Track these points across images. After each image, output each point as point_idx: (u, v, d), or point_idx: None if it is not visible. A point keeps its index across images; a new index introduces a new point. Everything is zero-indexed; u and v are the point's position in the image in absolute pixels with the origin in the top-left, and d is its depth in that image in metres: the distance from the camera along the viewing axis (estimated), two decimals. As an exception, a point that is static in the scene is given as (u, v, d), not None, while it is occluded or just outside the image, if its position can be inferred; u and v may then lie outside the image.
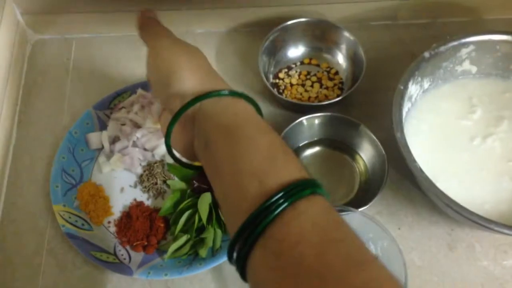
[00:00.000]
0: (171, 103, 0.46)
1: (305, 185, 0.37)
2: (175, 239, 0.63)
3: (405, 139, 0.60)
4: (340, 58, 0.79)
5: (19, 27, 0.80)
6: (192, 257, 0.63)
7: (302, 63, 0.79)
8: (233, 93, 0.45)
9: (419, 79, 0.67)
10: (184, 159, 0.51)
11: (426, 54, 0.66)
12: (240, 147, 0.41)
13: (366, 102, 0.75)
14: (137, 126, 0.71)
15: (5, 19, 0.75)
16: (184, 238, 0.63)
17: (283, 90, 0.76)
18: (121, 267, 0.62)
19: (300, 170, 0.39)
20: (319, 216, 0.36)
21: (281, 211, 0.35)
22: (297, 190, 0.36)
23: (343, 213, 0.60)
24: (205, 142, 0.44)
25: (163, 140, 0.69)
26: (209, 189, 0.64)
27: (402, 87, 0.64)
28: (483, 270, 0.64)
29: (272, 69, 0.78)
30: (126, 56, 0.82)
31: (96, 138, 0.71)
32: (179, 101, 0.45)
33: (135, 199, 0.68)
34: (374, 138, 0.66)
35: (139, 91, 0.74)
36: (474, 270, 0.64)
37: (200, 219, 0.63)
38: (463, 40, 0.67)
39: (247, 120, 0.43)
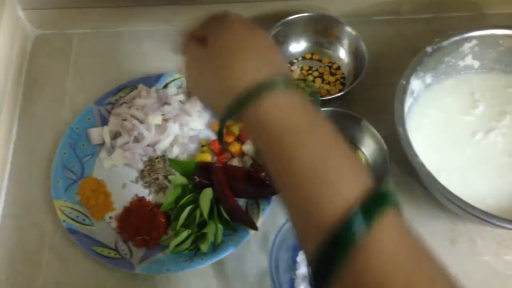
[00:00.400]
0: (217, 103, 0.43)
1: (380, 198, 0.35)
2: (177, 234, 0.63)
3: (407, 134, 0.60)
4: (342, 53, 0.78)
5: (20, 22, 0.80)
6: (194, 252, 0.63)
7: (304, 58, 0.79)
8: (280, 83, 0.40)
9: (422, 74, 0.67)
10: None
11: (429, 49, 0.66)
12: (295, 165, 0.37)
13: (368, 97, 0.75)
14: (139, 121, 0.70)
15: (6, 15, 0.74)
16: (185, 233, 0.62)
17: (284, 85, 0.76)
18: (122, 262, 0.62)
19: (368, 177, 0.37)
20: (398, 242, 0.34)
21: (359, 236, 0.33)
22: (373, 205, 0.34)
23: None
24: (258, 149, 0.41)
25: (164, 135, 0.69)
26: (210, 185, 0.65)
27: (404, 82, 0.64)
28: (485, 265, 0.64)
29: (273, 64, 0.78)
30: (127, 51, 0.81)
31: (97, 134, 0.71)
32: (223, 102, 0.41)
33: (136, 195, 0.68)
34: (376, 133, 0.66)
35: (140, 86, 0.73)
36: (476, 265, 0.64)
37: (201, 214, 0.63)
38: (466, 35, 0.67)
39: (298, 125, 0.38)
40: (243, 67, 0.41)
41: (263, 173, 0.65)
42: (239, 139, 0.70)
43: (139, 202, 0.67)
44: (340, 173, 0.36)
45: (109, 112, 0.73)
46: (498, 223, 0.55)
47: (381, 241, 0.33)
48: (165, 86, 0.75)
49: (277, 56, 0.44)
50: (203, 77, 0.44)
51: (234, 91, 0.40)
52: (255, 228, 0.62)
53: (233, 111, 0.41)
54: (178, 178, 0.68)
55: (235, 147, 0.69)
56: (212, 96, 0.44)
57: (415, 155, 0.59)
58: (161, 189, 0.69)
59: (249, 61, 0.42)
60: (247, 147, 0.69)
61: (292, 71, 0.78)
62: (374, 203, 0.34)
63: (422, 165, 0.58)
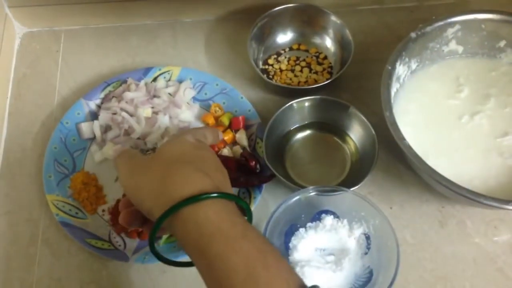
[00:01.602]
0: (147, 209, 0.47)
1: None
2: (170, 225, 0.64)
3: (394, 118, 0.61)
4: (329, 43, 0.79)
5: (7, 20, 0.80)
6: (187, 241, 0.64)
7: (291, 48, 0.80)
8: (208, 196, 0.44)
9: (407, 59, 0.68)
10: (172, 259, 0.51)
11: (413, 35, 0.67)
12: (214, 271, 0.41)
13: (355, 85, 0.76)
14: (129, 114, 0.71)
15: (-7, 13, 0.75)
16: (178, 224, 0.63)
17: (272, 76, 0.77)
18: (116, 254, 0.62)
19: (289, 283, 0.40)
20: None
21: None
22: None
23: (336, 193, 0.61)
24: (189, 255, 0.45)
25: (154, 128, 0.70)
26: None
27: (390, 67, 0.65)
28: (475, 246, 0.65)
29: (261, 55, 0.79)
30: (115, 46, 0.82)
31: (87, 128, 0.71)
32: (167, 201, 0.44)
33: (128, 187, 0.69)
34: (364, 119, 0.67)
35: (129, 80, 0.74)
36: (466, 246, 0.65)
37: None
38: (449, 20, 0.68)
39: (215, 233, 0.42)
40: (181, 178, 0.45)
41: (254, 162, 0.66)
42: (231, 128, 0.71)
43: (131, 194, 0.68)
44: (270, 283, 0.40)
45: (99, 107, 0.73)
46: (485, 202, 0.56)
47: None
48: (154, 80, 0.75)
49: (216, 170, 0.49)
50: (141, 181, 0.47)
51: (170, 199, 0.44)
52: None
53: (165, 216, 0.44)
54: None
55: (228, 135, 0.70)
56: (146, 200, 0.46)
57: (403, 138, 0.60)
58: (153, 181, 0.69)
59: (188, 173, 0.46)
60: (239, 135, 0.70)
61: (279, 61, 0.78)
62: None
63: (410, 148, 0.59)
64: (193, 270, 0.63)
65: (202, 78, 0.75)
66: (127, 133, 0.71)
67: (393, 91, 0.65)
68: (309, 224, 0.63)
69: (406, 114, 0.67)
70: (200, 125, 0.73)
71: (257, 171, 0.66)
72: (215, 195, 0.44)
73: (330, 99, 0.69)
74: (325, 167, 0.70)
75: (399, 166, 0.70)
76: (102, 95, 0.74)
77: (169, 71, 0.75)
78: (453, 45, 0.71)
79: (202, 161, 0.48)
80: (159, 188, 0.45)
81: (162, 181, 0.46)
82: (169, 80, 0.75)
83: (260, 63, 0.78)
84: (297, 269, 0.59)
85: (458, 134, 0.67)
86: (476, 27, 0.69)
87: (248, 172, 0.66)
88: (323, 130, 0.72)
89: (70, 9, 0.81)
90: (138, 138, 0.71)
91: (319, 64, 0.78)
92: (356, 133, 0.69)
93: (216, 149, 0.69)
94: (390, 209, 0.67)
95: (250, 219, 0.50)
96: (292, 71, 0.77)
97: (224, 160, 0.66)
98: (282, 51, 0.80)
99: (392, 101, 0.63)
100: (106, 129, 0.71)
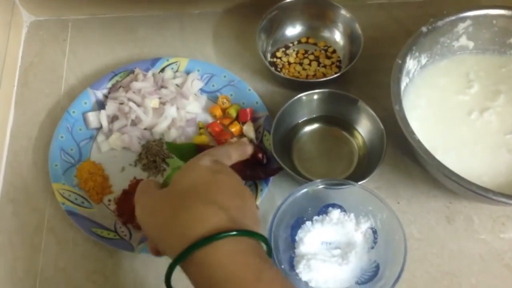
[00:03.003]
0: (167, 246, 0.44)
1: None
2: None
3: (403, 112, 0.60)
4: (337, 37, 0.79)
5: (14, 8, 0.79)
6: (193, 233, 0.63)
7: (299, 42, 0.80)
8: (219, 237, 0.41)
9: (417, 54, 0.67)
10: None
11: (424, 29, 0.66)
12: None
13: (363, 79, 0.75)
14: (136, 104, 0.71)
15: (1, 1, 0.74)
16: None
17: (281, 69, 0.77)
18: (122, 243, 0.62)
19: None
20: None
21: None
22: None
23: (343, 186, 0.61)
24: (205, 277, 0.42)
25: (161, 118, 0.70)
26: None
27: (400, 61, 0.64)
28: (481, 242, 0.65)
29: (269, 48, 0.78)
30: (122, 37, 0.82)
31: (94, 117, 0.71)
32: (183, 240, 0.42)
33: (135, 178, 0.69)
34: (373, 113, 0.67)
35: (137, 70, 0.73)
36: (473, 242, 0.65)
37: (200, 197, 0.63)
38: (460, 15, 0.68)
39: (228, 279, 0.40)
40: (192, 216, 0.43)
41: (261, 153, 0.66)
42: (238, 120, 0.71)
43: (137, 184, 0.67)
44: None
45: (106, 97, 0.73)
46: (494, 198, 0.55)
47: None
48: (162, 70, 0.75)
49: (232, 196, 0.46)
50: (155, 221, 0.45)
51: (182, 241, 0.41)
52: (254, 207, 0.62)
53: (176, 263, 0.42)
54: (175, 161, 0.68)
55: (235, 127, 0.70)
56: (160, 241, 0.45)
57: (412, 132, 0.59)
58: (160, 172, 0.69)
59: (200, 209, 0.43)
60: (247, 127, 0.70)
61: (288, 55, 0.78)
62: None
63: (419, 142, 0.59)
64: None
65: (209, 69, 0.75)
66: (134, 123, 0.70)
67: (402, 85, 0.65)
68: (315, 217, 0.63)
69: (415, 108, 0.67)
70: (208, 116, 0.73)
71: (264, 162, 0.66)
72: (227, 234, 0.41)
73: (339, 92, 0.69)
74: (332, 161, 0.69)
75: (407, 161, 0.70)
76: (109, 84, 0.73)
77: (176, 62, 0.75)
78: (463, 41, 0.70)
79: (217, 189, 0.46)
80: (171, 229, 0.43)
81: (173, 220, 0.43)
82: (176, 71, 0.75)
83: (269, 55, 0.78)
84: (303, 262, 0.59)
85: (467, 130, 0.66)
86: (488, 23, 0.69)
87: (255, 165, 0.66)
88: (331, 123, 0.71)
89: (78, -1, 0.80)
90: (145, 129, 0.70)
91: (328, 57, 0.78)
92: (364, 127, 0.69)
93: (223, 140, 0.69)
94: (397, 204, 0.67)
95: (269, 253, 0.47)
96: (301, 64, 0.77)
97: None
98: (291, 44, 0.79)
99: (401, 95, 0.63)
100: (113, 119, 0.71)
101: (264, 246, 0.46)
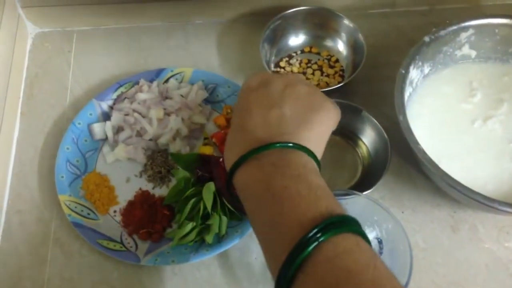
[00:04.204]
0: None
1: (343, 221, 0.39)
2: (180, 226, 0.64)
3: (407, 122, 0.61)
4: (341, 46, 0.79)
5: (19, 20, 0.80)
6: (199, 243, 0.64)
7: (302, 51, 0.80)
8: (284, 145, 0.45)
9: (420, 63, 0.68)
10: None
11: (426, 39, 0.67)
12: (277, 201, 0.42)
13: (367, 89, 0.76)
14: (141, 115, 0.71)
15: (6, 13, 0.75)
16: (189, 226, 0.63)
17: (284, 79, 0.77)
18: (128, 255, 0.62)
19: (339, 206, 0.42)
20: (357, 258, 0.38)
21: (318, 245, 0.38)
22: (334, 225, 0.38)
23: (348, 196, 0.61)
24: (241, 195, 0.46)
25: (167, 129, 0.70)
26: (212, 178, 0.65)
27: (403, 71, 0.64)
28: (486, 251, 0.65)
29: (273, 58, 0.79)
30: (126, 47, 0.82)
31: (99, 129, 0.71)
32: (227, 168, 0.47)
33: (140, 188, 0.69)
34: (377, 123, 0.67)
35: (142, 81, 0.74)
36: (478, 251, 0.65)
37: (205, 207, 0.63)
38: (463, 24, 0.68)
39: (284, 171, 0.44)
40: (240, 139, 0.47)
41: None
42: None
43: (143, 195, 0.68)
44: (297, 204, 0.41)
45: (111, 108, 0.73)
46: (500, 207, 0.56)
47: (340, 255, 0.38)
48: (166, 81, 0.75)
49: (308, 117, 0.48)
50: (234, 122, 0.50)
51: (231, 162, 0.46)
52: (259, 217, 0.63)
53: (229, 177, 0.47)
54: (180, 172, 0.68)
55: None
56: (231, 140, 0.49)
57: (416, 142, 0.59)
58: (165, 182, 0.69)
59: (263, 118, 0.47)
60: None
61: (291, 64, 0.78)
62: (336, 224, 0.39)
63: (423, 152, 0.59)
64: (204, 271, 0.64)
65: (214, 79, 0.75)
66: (139, 134, 0.71)
67: (406, 95, 0.65)
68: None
69: (418, 118, 0.67)
70: (213, 127, 0.73)
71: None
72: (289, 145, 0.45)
73: (343, 102, 0.69)
74: (336, 170, 0.69)
75: (411, 170, 0.70)
76: (114, 95, 0.74)
77: (181, 72, 0.76)
78: (466, 50, 0.71)
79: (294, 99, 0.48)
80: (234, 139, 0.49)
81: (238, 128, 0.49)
82: (181, 81, 0.76)
83: (272, 65, 0.78)
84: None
85: (471, 138, 0.67)
86: (490, 32, 0.69)
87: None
88: (335, 133, 0.70)
89: (82, 10, 0.81)
90: (150, 140, 0.71)
91: (331, 67, 0.78)
92: (368, 137, 0.69)
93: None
94: (402, 213, 0.67)
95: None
96: (304, 73, 0.77)
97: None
98: (294, 54, 0.80)
99: (405, 105, 0.63)
100: (118, 130, 0.72)
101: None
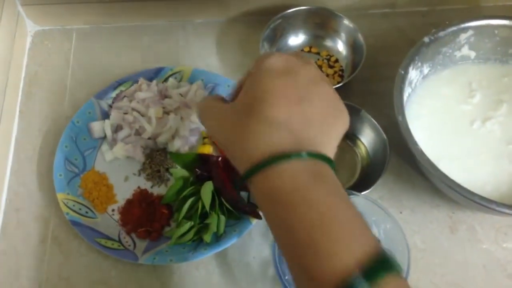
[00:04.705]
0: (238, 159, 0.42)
1: (383, 263, 0.34)
2: (179, 225, 0.64)
3: (406, 122, 0.61)
4: (340, 46, 0.79)
5: (19, 18, 0.80)
6: (197, 242, 0.64)
7: (302, 51, 0.80)
8: (298, 155, 0.38)
9: (419, 64, 0.68)
10: None
11: (426, 39, 0.67)
12: (305, 218, 0.36)
13: (366, 89, 0.76)
14: (140, 114, 0.71)
15: (6, 11, 0.75)
16: (188, 225, 0.63)
17: (283, 78, 0.77)
18: (126, 254, 0.62)
19: (374, 241, 0.36)
20: None
21: None
22: (376, 269, 0.34)
23: (346, 196, 0.61)
24: (265, 212, 0.40)
25: (165, 128, 0.70)
26: (211, 178, 0.65)
27: (402, 72, 0.64)
28: (485, 252, 0.65)
29: (272, 57, 0.79)
30: (126, 46, 0.82)
31: (98, 127, 0.71)
32: (246, 161, 0.40)
33: (139, 187, 0.69)
34: (375, 123, 0.67)
35: (141, 79, 0.74)
36: (476, 252, 0.65)
37: (203, 206, 0.63)
38: (462, 25, 0.68)
39: (307, 185, 0.37)
40: (264, 132, 0.39)
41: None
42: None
43: (141, 194, 0.68)
44: (342, 234, 0.35)
45: (110, 106, 0.73)
46: (497, 209, 0.56)
47: None
48: (166, 80, 0.75)
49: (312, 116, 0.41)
50: (224, 130, 0.43)
51: (253, 156, 0.39)
52: (259, 217, 0.63)
53: (250, 173, 0.39)
54: (179, 171, 0.68)
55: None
56: (232, 150, 0.42)
57: (415, 143, 0.59)
58: (163, 181, 0.69)
59: (270, 125, 0.39)
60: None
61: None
62: (377, 267, 0.34)
63: (422, 153, 0.59)
64: (202, 270, 0.64)
65: (213, 79, 0.75)
66: (138, 133, 0.71)
67: (405, 95, 0.65)
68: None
69: (418, 118, 0.67)
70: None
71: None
72: (294, 155, 0.38)
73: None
74: (335, 170, 0.69)
75: (410, 171, 0.70)
76: (113, 94, 0.74)
77: (180, 71, 0.76)
78: (465, 51, 0.71)
79: (285, 99, 0.41)
80: (239, 145, 0.41)
81: (240, 136, 0.41)
82: (180, 80, 0.75)
83: (271, 65, 0.78)
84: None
85: (470, 139, 0.67)
86: (489, 33, 0.69)
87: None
88: (334, 133, 0.71)
89: (82, 8, 0.81)
90: (149, 138, 0.71)
91: (330, 67, 0.78)
92: (367, 137, 0.69)
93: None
94: (400, 213, 0.67)
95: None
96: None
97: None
98: (294, 54, 0.80)
99: (404, 105, 0.63)
100: (117, 128, 0.72)
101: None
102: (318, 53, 0.80)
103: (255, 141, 0.39)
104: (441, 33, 0.67)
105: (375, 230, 0.61)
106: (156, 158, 0.70)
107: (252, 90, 0.42)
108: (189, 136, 0.72)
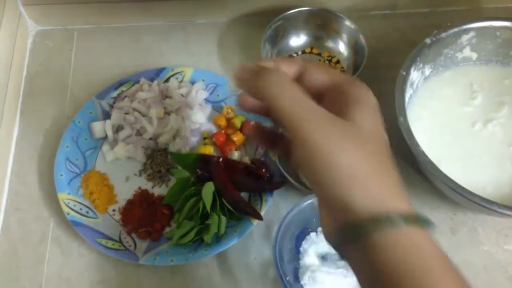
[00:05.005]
0: (333, 211, 0.35)
1: None
2: (179, 226, 0.64)
3: (408, 124, 0.60)
4: (342, 47, 0.79)
5: (20, 18, 0.80)
6: (198, 243, 0.64)
7: (303, 52, 0.80)
8: (408, 219, 0.33)
9: (421, 65, 0.68)
10: None
11: (428, 41, 0.67)
12: None
13: (367, 90, 0.75)
14: (141, 114, 0.71)
15: (7, 11, 0.75)
16: (188, 225, 0.63)
17: (285, 79, 0.77)
18: (126, 254, 0.62)
19: None
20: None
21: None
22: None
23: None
24: (371, 277, 0.34)
25: (167, 128, 0.70)
26: (212, 178, 0.65)
27: (404, 73, 0.64)
28: (485, 254, 0.65)
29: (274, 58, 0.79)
30: (127, 46, 0.82)
31: (99, 127, 0.71)
32: (340, 217, 0.34)
33: (139, 187, 0.69)
34: (377, 124, 0.67)
35: (142, 80, 0.74)
36: (477, 254, 0.65)
37: (204, 207, 0.63)
38: (464, 27, 0.68)
39: (431, 265, 0.33)
40: (366, 190, 0.33)
41: (263, 169, 0.66)
42: (241, 131, 0.71)
43: (142, 194, 0.68)
44: None
45: (111, 106, 0.73)
46: (499, 210, 0.56)
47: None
48: (167, 80, 0.75)
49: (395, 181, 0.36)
50: (347, 150, 0.33)
51: (349, 215, 0.33)
52: (259, 218, 0.63)
53: (344, 239, 0.34)
54: (180, 171, 0.68)
55: (237, 136, 0.70)
56: (322, 199, 0.36)
57: (417, 144, 0.59)
58: (164, 182, 0.69)
59: (374, 183, 0.34)
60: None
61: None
62: None
63: (424, 154, 0.59)
64: (203, 271, 0.63)
65: (214, 79, 0.75)
66: (139, 133, 0.71)
67: (406, 96, 0.65)
68: (320, 228, 0.63)
69: (419, 120, 0.67)
70: (212, 127, 0.73)
71: (266, 178, 0.66)
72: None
73: (343, 103, 0.69)
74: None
75: (411, 172, 0.70)
76: (114, 94, 0.74)
77: (181, 72, 0.76)
78: (467, 52, 0.71)
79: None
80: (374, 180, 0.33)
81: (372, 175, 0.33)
82: (181, 81, 0.75)
83: (273, 66, 0.78)
84: (308, 274, 0.59)
85: (471, 141, 0.67)
86: (491, 35, 0.69)
87: (258, 178, 0.66)
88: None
89: (84, 8, 0.81)
90: (150, 139, 0.71)
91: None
92: (369, 138, 0.69)
93: (228, 150, 0.69)
94: (401, 215, 0.67)
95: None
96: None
97: (233, 163, 0.66)
98: (295, 54, 0.80)
99: (406, 106, 0.63)
100: (118, 128, 0.72)
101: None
102: (319, 54, 0.80)
103: (395, 189, 0.34)
104: (443, 35, 0.67)
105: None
106: (157, 159, 0.70)
107: (379, 129, 0.36)
108: (190, 136, 0.72)
